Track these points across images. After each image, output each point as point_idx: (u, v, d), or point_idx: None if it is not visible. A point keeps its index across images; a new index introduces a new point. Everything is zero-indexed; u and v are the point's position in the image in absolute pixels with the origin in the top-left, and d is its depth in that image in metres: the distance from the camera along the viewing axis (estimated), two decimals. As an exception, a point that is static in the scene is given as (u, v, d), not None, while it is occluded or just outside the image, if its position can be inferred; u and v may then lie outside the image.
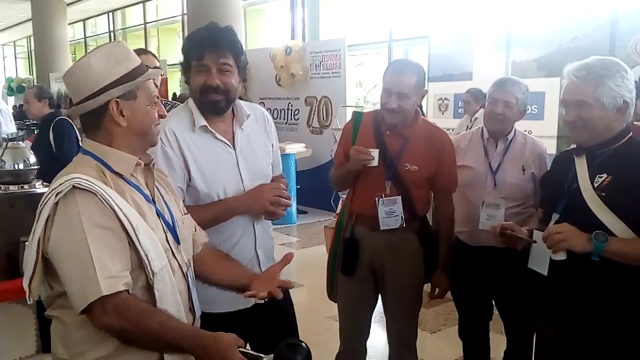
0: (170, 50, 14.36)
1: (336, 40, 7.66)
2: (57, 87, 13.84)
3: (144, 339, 1.27)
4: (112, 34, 16.41)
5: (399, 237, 2.31)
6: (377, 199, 2.26)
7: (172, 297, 1.37)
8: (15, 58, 23.94)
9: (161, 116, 1.43)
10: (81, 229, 1.23)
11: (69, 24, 15.59)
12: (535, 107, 5.45)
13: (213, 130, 1.83)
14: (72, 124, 4.33)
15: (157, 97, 1.43)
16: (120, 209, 1.27)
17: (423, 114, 2.61)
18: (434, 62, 6.53)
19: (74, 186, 1.25)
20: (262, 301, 1.87)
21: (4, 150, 1.98)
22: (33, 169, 2.02)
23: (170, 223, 1.46)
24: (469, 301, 2.63)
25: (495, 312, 2.67)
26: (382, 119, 2.32)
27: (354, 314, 2.44)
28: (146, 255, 1.30)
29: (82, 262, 1.23)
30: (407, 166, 2.27)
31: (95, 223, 1.25)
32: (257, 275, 1.61)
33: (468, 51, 6.19)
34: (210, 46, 1.74)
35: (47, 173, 1.38)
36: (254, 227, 1.90)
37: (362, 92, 12.90)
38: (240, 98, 1.97)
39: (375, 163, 2.19)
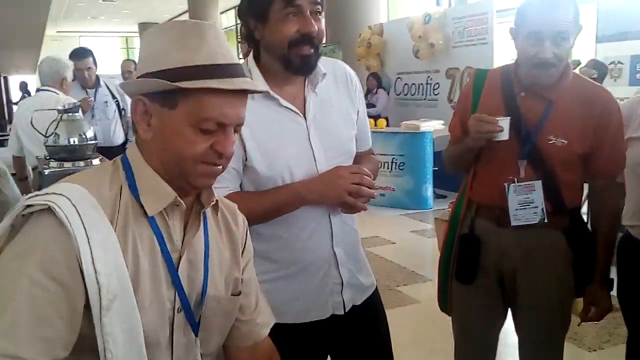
0: None
1: (483, 3, 6.83)
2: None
3: None
4: None
5: (537, 235, 1.73)
6: (506, 184, 1.71)
7: None
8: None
9: (221, 155, 0.95)
10: (27, 271, 0.86)
11: (221, 13, 16.46)
12: None
13: (277, 96, 1.40)
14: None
15: (223, 127, 0.94)
16: (96, 271, 0.88)
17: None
18: (604, 19, 5.57)
19: (49, 207, 0.88)
20: (342, 312, 1.50)
21: (58, 123, 1.77)
22: (90, 144, 1.79)
23: (194, 301, 1.01)
24: None
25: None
26: (514, 76, 1.73)
27: (474, 333, 1.90)
28: (105, 356, 0.89)
29: None
30: (551, 140, 1.67)
31: (49, 271, 0.87)
32: None
33: (648, 3, 5.11)
34: None
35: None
36: (329, 218, 1.46)
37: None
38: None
39: (505, 136, 1.64)
